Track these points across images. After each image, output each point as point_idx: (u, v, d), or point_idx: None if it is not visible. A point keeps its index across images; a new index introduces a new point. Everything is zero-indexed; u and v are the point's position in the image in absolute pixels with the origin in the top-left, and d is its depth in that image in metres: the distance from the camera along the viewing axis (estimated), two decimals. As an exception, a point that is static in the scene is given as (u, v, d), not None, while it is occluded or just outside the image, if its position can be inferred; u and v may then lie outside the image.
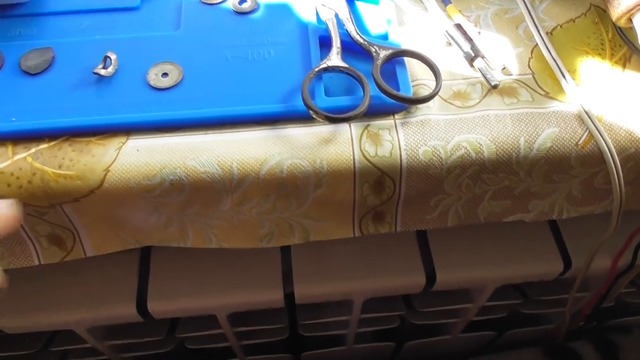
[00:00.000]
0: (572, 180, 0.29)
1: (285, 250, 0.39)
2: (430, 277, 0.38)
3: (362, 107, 0.27)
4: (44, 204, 0.27)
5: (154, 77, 0.29)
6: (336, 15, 0.31)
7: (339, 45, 0.29)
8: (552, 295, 0.45)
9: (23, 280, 0.38)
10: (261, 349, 0.50)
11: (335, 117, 0.26)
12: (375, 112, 0.28)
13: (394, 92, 0.27)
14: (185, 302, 0.37)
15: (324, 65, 0.28)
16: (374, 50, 0.29)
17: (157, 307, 0.36)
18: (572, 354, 0.53)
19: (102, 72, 0.29)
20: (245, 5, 0.33)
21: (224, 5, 0.33)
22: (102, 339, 0.41)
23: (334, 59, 0.29)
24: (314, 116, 0.27)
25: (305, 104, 0.27)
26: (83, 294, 0.37)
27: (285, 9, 0.33)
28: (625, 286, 0.46)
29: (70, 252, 0.30)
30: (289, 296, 0.38)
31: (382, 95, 0.27)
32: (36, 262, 0.30)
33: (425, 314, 0.45)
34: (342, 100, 0.28)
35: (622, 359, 0.54)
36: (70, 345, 0.42)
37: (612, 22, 0.30)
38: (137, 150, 0.27)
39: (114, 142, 0.27)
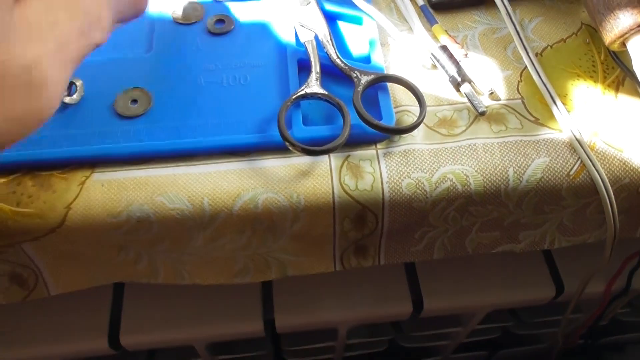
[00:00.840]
0: (564, 210, 0.28)
1: (267, 279, 0.37)
2: (418, 305, 0.36)
3: (342, 139, 0.25)
4: (1, 243, 0.25)
5: (122, 104, 0.27)
6: (316, 37, 0.29)
7: (318, 70, 0.28)
8: (545, 317, 0.44)
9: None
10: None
11: (312, 149, 0.25)
12: (356, 141, 0.27)
13: (375, 121, 0.25)
14: (159, 334, 0.35)
15: (302, 93, 0.27)
16: (355, 75, 0.27)
17: (130, 340, 0.35)
18: (566, 374, 0.52)
19: (67, 99, 0.27)
20: (222, 26, 0.31)
21: (200, 25, 0.31)
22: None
23: (313, 85, 0.27)
24: (290, 148, 0.25)
25: (282, 135, 0.25)
26: (53, 327, 0.35)
27: (263, 30, 0.31)
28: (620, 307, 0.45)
29: (33, 291, 0.28)
30: (271, 323, 0.37)
31: (363, 124, 0.26)
32: None
33: (414, 337, 0.44)
34: (321, 130, 0.26)
35: (616, 377, 0.53)
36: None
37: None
38: (102, 185, 0.25)
39: (78, 176, 0.26)
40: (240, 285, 0.37)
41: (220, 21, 0.31)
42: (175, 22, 0.31)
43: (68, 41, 0.17)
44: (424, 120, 0.28)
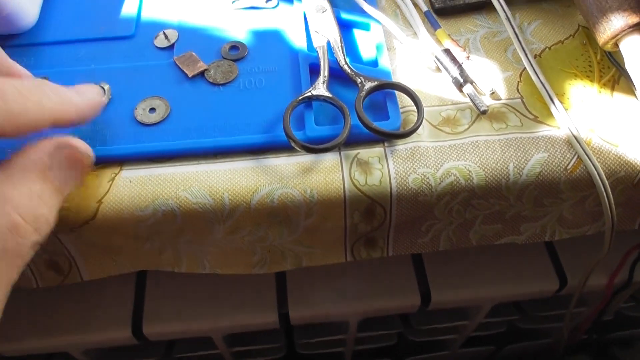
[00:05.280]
0: (563, 203, 0.29)
1: (280, 273, 0.39)
2: (426, 298, 0.38)
3: (340, 139, 0.27)
4: (39, 236, 0.28)
5: (142, 112, 0.29)
6: (328, 43, 0.31)
7: (326, 74, 0.30)
8: (550, 311, 0.45)
9: (19, 304, 0.38)
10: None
11: (312, 147, 0.27)
12: (365, 140, 0.28)
13: (373, 125, 0.27)
14: (180, 324, 0.37)
15: (308, 95, 0.29)
16: (359, 81, 0.29)
17: (153, 329, 0.37)
18: (573, 369, 0.53)
19: None
20: (237, 53, 0.32)
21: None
22: (100, 361, 0.42)
23: (319, 88, 0.29)
24: (293, 146, 0.27)
25: (286, 134, 0.27)
26: (79, 316, 0.37)
27: (277, 36, 0.33)
28: (624, 301, 0.45)
29: (67, 276, 0.30)
30: (285, 316, 0.39)
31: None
32: (34, 285, 0.31)
33: (422, 331, 0.45)
34: (330, 130, 0.28)
35: (623, 372, 0.53)
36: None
37: (600, 45, 0.30)
38: (130, 181, 0.27)
39: (107, 173, 0.28)
40: (256, 279, 0.39)
41: (234, 48, 0.32)
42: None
43: None
44: (429, 119, 0.30)
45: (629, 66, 0.27)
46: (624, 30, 0.27)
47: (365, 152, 0.28)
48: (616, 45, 0.28)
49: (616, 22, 0.27)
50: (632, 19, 0.26)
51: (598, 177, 0.27)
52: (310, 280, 0.39)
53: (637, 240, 0.37)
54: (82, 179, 0.22)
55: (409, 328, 0.45)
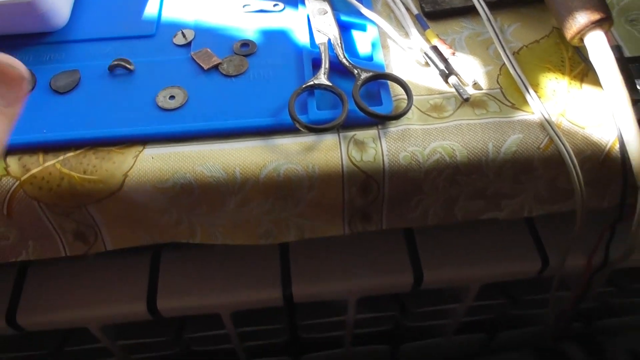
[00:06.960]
0: (537, 180, 0.33)
1: (284, 252, 0.42)
2: (418, 277, 0.41)
3: (339, 120, 0.30)
4: (70, 205, 0.31)
5: (162, 99, 0.33)
6: (329, 41, 0.35)
7: (327, 66, 0.33)
8: (536, 294, 0.48)
9: (40, 279, 0.41)
10: (263, 351, 0.53)
11: (314, 127, 0.30)
12: (361, 123, 0.32)
13: (369, 109, 0.31)
14: (191, 300, 0.40)
15: (311, 83, 0.32)
16: (356, 72, 0.33)
17: (166, 305, 0.40)
18: (561, 356, 0.55)
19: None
20: (247, 49, 0.36)
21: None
22: (114, 339, 0.44)
23: (321, 78, 0.33)
24: (297, 126, 0.31)
25: (291, 116, 0.31)
26: (97, 293, 0.40)
27: (283, 35, 0.37)
28: (604, 285, 0.48)
29: (93, 246, 0.33)
30: (289, 299, 0.42)
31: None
32: (62, 254, 0.34)
33: (417, 314, 0.48)
34: (330, 114, 0.32)
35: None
36: (83, 345, 0.45)
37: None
38: (152, 157, 0.31)
39: (132, 151, 0.31)
40: (262, 259, 0.42)
41: (245, 45, 0.36)
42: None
43: None
44: (419, 106, 0.33)
45: (592, 57, 0.31)
46: (587, 26, 0.31)
47: (361, 134, 0.32)
48: (581, 40, 0.32)
49: (580, 19, 0.31)
50: (594, 16, 0.30)
51: (567, 155, 0.31)
52: (312, 261, 0.42)
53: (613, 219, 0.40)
54: (20, 98, 0.20)
55: (404, 311, 0.48)
